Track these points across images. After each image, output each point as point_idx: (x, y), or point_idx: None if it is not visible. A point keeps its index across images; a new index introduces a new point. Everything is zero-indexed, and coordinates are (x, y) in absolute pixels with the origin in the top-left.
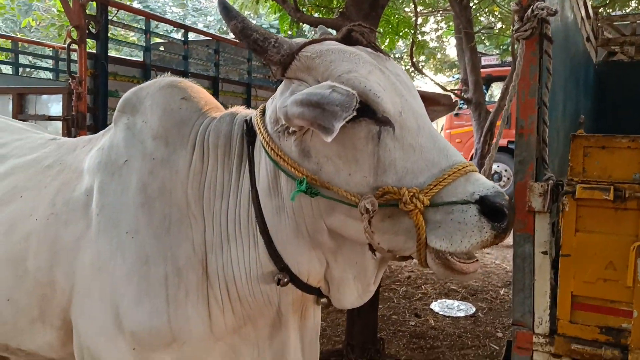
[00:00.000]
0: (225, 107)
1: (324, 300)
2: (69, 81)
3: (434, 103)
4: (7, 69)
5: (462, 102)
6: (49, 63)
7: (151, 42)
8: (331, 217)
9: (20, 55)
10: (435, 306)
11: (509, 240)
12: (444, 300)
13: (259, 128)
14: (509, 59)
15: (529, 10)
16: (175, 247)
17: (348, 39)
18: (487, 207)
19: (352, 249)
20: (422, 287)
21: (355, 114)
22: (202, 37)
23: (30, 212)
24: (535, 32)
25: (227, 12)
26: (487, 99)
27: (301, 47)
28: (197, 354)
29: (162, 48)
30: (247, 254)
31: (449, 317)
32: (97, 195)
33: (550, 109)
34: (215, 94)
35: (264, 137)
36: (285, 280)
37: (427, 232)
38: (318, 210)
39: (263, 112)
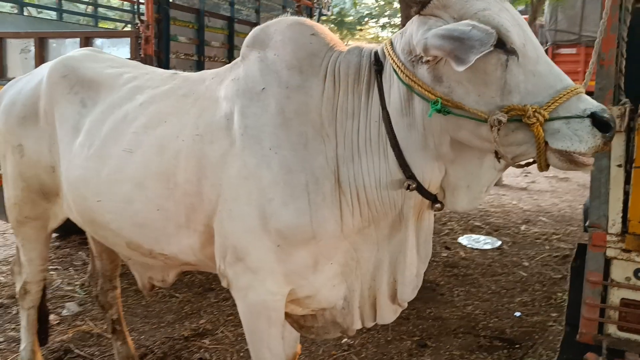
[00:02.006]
0: None
1: (438, 205)
2: (137, 25)
3: None
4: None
5: None
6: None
7: None
8: (459, 131)
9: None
10: (463, 240)
11: (523, 183)
12: (470, 235)
13: (392, 58)
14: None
15: None
16: (312, 160)
17: None
18: (597, 121)
19: (468, 160)
20: (448, 223)
21: (491, 49)
22: None
23: (177, 134)
24: None
25: None
26: None
27: None
28: (328, 250)
29: None
30: (377, 164)
31: (476, 249)
32: (239, 117)
33: None
34: None
35: (397, 66)
36: (414, 186)
37: (547, 138)
38: (446, 126)
39: (391, 44)
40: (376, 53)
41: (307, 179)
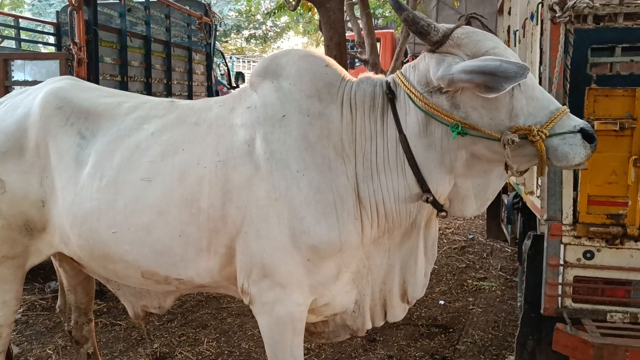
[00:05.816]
0: None
1: (442, 213)
2: (69, 47)
3: None
4: None
5: (358, 62)
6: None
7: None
8: (474, 146)
9: None
10: None
11: None
12: None
13: (408, 88)
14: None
15: (571, 2)
16: (336, 179)
17: (468, 24)
18: (585, 134)
19: (476, 174)
20: None
21: (525, 78)
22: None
23: (197, 161)
24: (571, 18)
25: (399, 5)
26: None
27: (452, 30)
28: (348, 260)
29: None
30: (395, 181)
31: None
32: (263, 144)
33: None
34: (168, 57)
35: (415, 95)
36: (431, 198)
37: (548, 155)
38: (463, 144)
39: (403, 76)
40: (388, 83)
41: (334, 197)
